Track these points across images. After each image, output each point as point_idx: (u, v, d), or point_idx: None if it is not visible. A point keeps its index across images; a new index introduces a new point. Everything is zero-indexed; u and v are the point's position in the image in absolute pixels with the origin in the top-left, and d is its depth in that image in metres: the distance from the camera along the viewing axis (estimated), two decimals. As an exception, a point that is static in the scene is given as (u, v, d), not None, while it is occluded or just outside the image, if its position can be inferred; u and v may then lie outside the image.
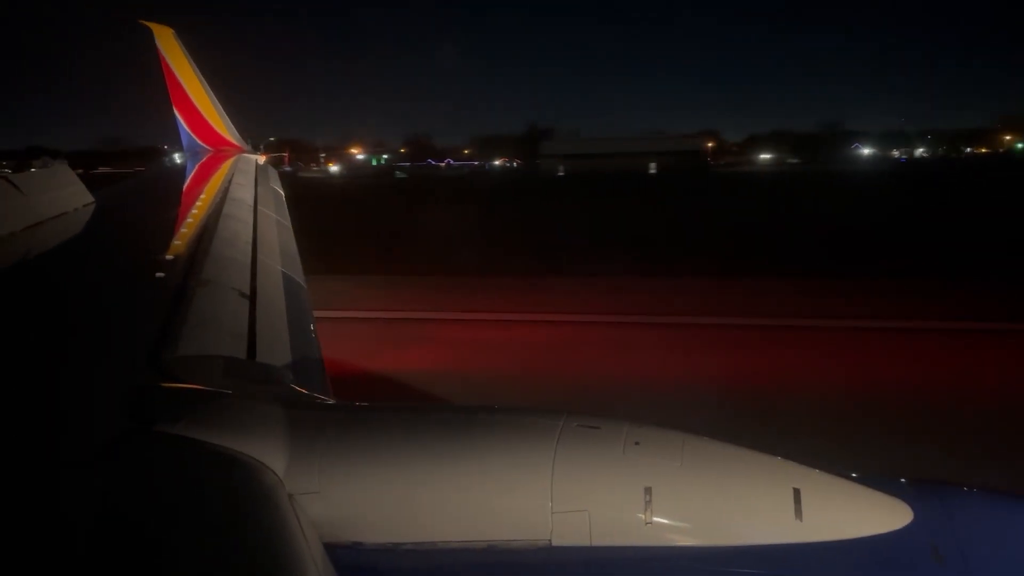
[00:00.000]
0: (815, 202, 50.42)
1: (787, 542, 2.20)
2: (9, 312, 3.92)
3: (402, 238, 32.93)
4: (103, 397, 2.78)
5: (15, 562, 1.78)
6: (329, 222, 31.92)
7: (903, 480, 2.49)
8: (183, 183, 12.62)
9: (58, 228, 6.36)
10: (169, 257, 5.29)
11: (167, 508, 2.02)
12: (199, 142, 17.76)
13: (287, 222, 9.17)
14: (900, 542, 2.23)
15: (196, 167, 15.08)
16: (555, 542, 2.23)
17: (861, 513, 2.29)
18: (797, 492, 2.26)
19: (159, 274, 4.80)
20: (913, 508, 2.31)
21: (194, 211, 8.00)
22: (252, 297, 4.65)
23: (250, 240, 6.59)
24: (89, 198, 7.63)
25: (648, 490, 2.22)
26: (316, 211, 28.25)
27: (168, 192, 11.24)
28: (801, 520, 2.22)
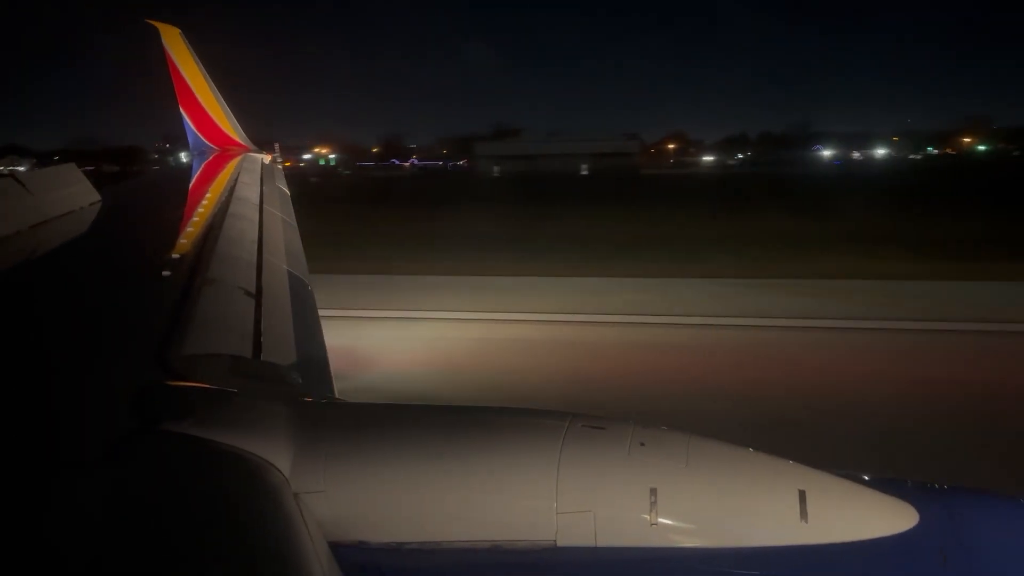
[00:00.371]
0: (692, 202, 50.77)
1: (792, 544, 2.20)
2: (15, 311, 3.93)
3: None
4: (109, 396, 2.79)
5: (23, 562, 1.78)
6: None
7: (909, 482, 2.48)
8: (189, 182, 12.65)
9: (65, 227, 6.38)
10: (175, 256, 5.30)
11: (173, 507, 2.02)
12: (205, 141, 17.80)
13: (293, 221, 9.19)
14: (906, 544, 2.22)
15: (202, 166, 15.12)
16: (560, 543, 2.22)
17: (867, 515, 2.28)
18: (802, 494, 2.25)
19: (165, 273, 4.81)
20: (919, 510, 2.30)
21: (200, 210, 8.02)
22: (258, 296, 4.66)
23: (256, 239, 6.60)
24: (96, 196, 7.65)
25: (653, 491, 2.22)
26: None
27: (174, 191, 11.27)
28: (806, 522, 2.21)
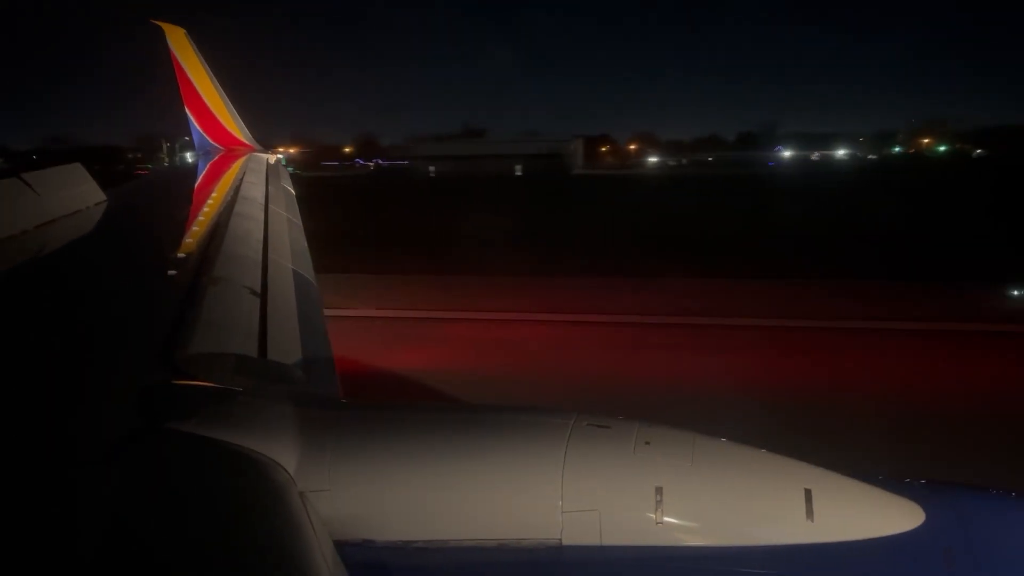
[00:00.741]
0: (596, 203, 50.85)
1: (798, 543, 2.19)
2: (22, 311, 3.94)
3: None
4: (115, 395, 2.80)
5: (31, 559, 1.79)
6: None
7: (914, 481, 2.47)
8: (195, 182, 12.68)
9: (71, 226, 6.40)
10: (181, 255, 5.32)
11: (179, 506, 2.02)
12: (211, 141, 17.83)
13: (298, 220, 9.20)
14: (912, 543, 2.22)
15: (208, 166, 15.15)
16: (565, 541, 2.22)
17: (873, 514, 2.27)
18: (808, 492, 2.25)
19: (171, 272, 4.82)
20: (925, 509, 2.30)
21: (206, 209, 8.04)
22: (263, 295, 4.66)
23: (261, 238, 6.61)
24: (101, 196, 7.67)
25: (659, 490, 2.22)
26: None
27: (180, 191, 11.29)
28: (812, 521, 2.20)
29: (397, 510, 2.29)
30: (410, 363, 13.41)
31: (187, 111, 17.58)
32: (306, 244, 7.71)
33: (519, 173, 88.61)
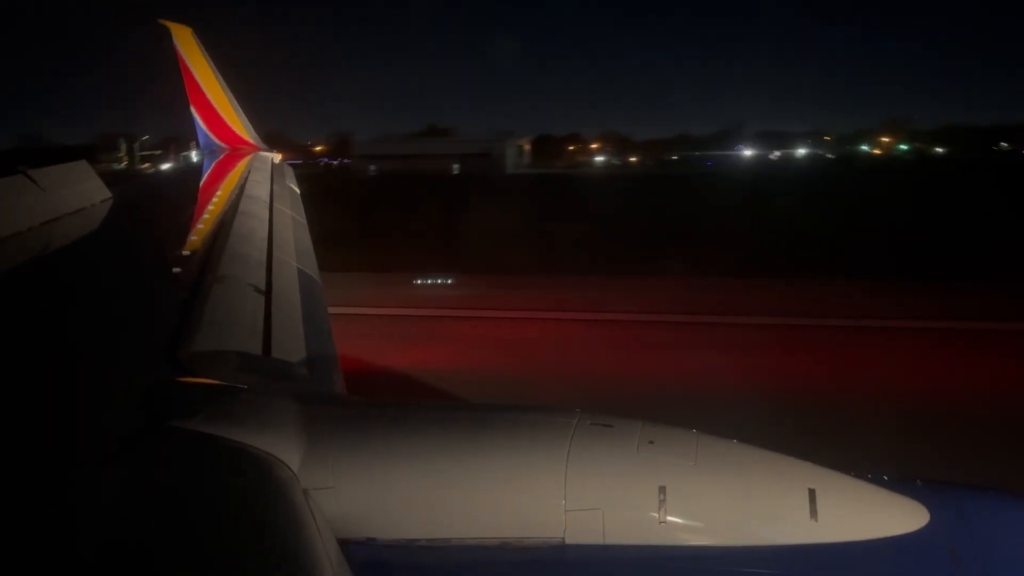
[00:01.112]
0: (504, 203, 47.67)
1: (802, 542, 2.19)
2: (27, 308, 3.95)
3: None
4: (121, 393, 2.80)
5: (35, 556, 1.79)
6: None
7: (919, 481, 2.46)
8: (200, 181, 12.70)
9: (76, 224, 6.41)
10: (186, 253, 5.32)
11: (183, 503, 2.03)
12: (216, 140, 17.84)
13: (303, 219, 9.21)
14: (916, 543, 2.21)
15: (213, 165, 15.17)
16: (568, 540, 2.22)
17: (877, 514, 2.27)
18: (812, 492, 2.24)
19: (176, 270, 4.83)
20: (929, 509, 2.29)
21: (211, 208, 8.05)
22: (268, 293, 4.67)
23: (266, 237, 6.62)
24: (107, 194, 7.69)
25: (662, 489, 2.21)
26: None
27: (185, 189, 11.31)
28: (816, 520, 2.20)
29: (401, 508, 2.29)
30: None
31: (193, 110, 17.59)
32: (311, 243, 7.72)
33: (456, 172, 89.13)
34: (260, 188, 9.96)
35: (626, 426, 2.41)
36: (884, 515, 2.26)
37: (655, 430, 2.40)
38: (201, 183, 12.38)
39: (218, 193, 9.90)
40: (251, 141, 18.23)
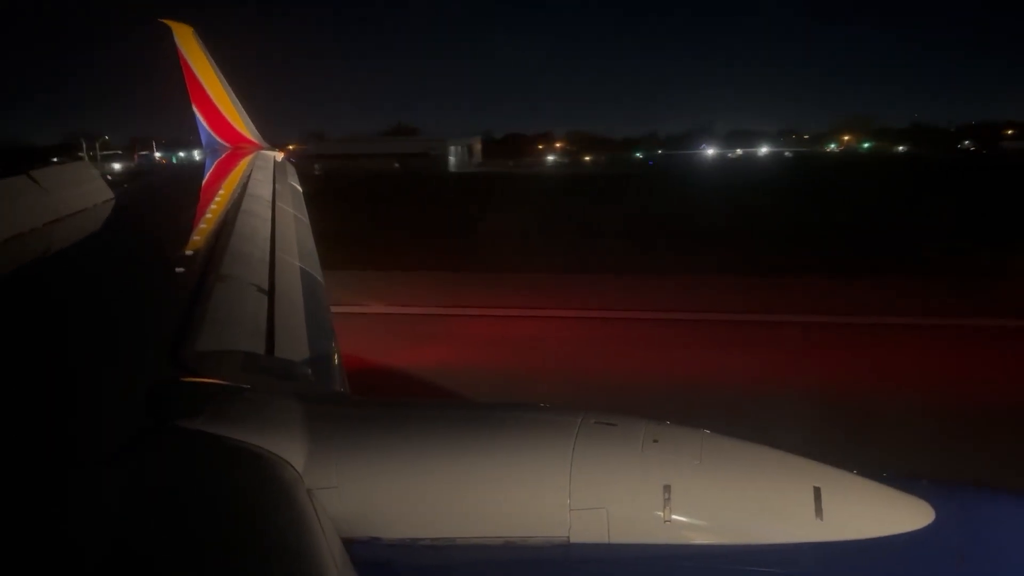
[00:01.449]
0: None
1: (807, 541, 2.18)
2: (30, 308, 3.96)
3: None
4: (123, 393, 2.81)
5: (40, 557, 1.79)
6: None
7: (924, 480, 2.45)
8: (202, 180, 12.72)
9: (78, 224, 6.43)
10: (188, 253, 5.33)
11: (186, 503, 2.03)
12: (218, 139, 17.85)
13: (305, 218, 9.21)
14: (922, 542, 2.20)
15: (215, 164, 15.19)
16: (573, 539, 2.22)
17: (882, 512, 2.26)
18: (817, 491, 2.23)
19: (179, 269, 4.84)
20: (935, 508, 2.28)
21: (213, 207, 8.06)
22: (270, 292, 4.67)
23: (268, 236, 6.62)
24: (109, 194, 7.70)
25: (667, 488, 2.21)
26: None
27: (187, 189, 11.33)
28: (821, 519, 2.19)
29: (405, 508, 2.29)
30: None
31: (194, 109, 17.60)
32: (313, 242, 7.72)
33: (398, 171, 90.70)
34: (262, 187, 9.97)
35: (630, 425, 2.41)
36: (889, 513, 2.25)
37: (659, 428, 2.39)
38: (203, 182, 12.40)
39: (220, 192, 9.91)
40: (253, 139, 18.25)
